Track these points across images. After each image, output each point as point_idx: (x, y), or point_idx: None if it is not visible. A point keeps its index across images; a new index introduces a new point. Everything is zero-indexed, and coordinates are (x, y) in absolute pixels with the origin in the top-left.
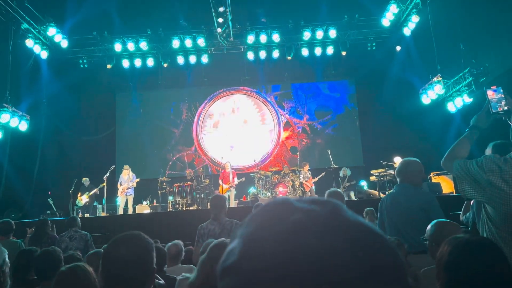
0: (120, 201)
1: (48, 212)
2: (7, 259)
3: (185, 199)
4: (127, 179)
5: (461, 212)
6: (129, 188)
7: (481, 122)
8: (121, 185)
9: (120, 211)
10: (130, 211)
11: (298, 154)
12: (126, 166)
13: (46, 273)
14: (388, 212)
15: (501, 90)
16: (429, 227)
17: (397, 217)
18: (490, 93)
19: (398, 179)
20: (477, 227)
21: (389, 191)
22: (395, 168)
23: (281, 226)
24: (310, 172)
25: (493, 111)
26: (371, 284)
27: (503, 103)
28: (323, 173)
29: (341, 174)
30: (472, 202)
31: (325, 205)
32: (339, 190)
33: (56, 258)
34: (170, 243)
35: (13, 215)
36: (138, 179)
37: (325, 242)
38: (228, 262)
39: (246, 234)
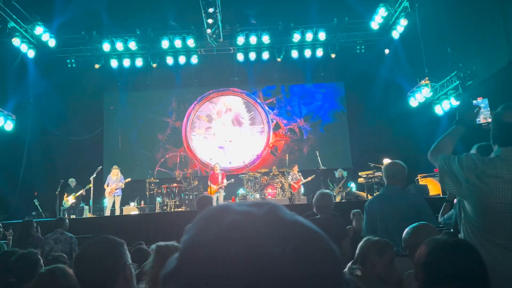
0: (108, 202)
1: (34, 213)
2: None
3: (173, 200)
4: (115, 180)
5: (440, 214)
6: (117, 189)
7: (466, 118)
8: (108, 185)
9: (108, 212)
10: (118, 212)
11: (287, 155)
12: (115, 167)
13: (24, 276)
14: (378, 214)
15: (487, 102)
16: (405, 232)
17: (387, 218)
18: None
19: (385, 181)
20: (458, 228)
21: (376, 193)
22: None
23: (216, 228)
24: (300, 173)
25: (478, 122)
26: (305, 280)
27: (487, 114)
28: (312, 176)
29: (336, 175)
30: (455, 201)
31: (262, 206)
32: (328, 192)
33: (33, 260)
34: (154, 245)
35: None
36: (129, 179)
37: (259, 241)
38: (167, 269)
39: (184, 241)
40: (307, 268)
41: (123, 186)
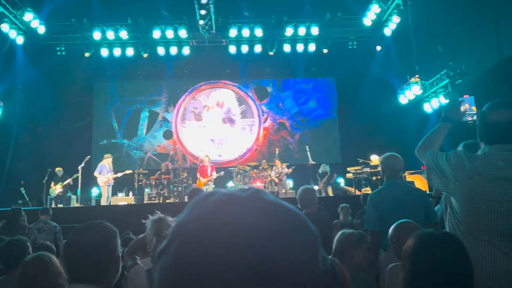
0: (106, 191)
1: (20, 201)
2: None
3: (162, 191)
4: (109, 169)
5: None
6: (113, 179)
7: (452, 115)
8: (101, 173)
9: (104, 202)
10: (109, 202)
11: (277, 149)
12: (108, 155)
13: (13, 262)
14: (386, 207)
15: (473, 99)
16: (391, 228)
17: (395, 212)
18: (462, 102)
19: (386, 174)
20: (444, 223)
21: (380, 187)
22: (372, 165)
23: (202, 207)
24: (283, 167)
25: (463, 120)
26: (285, 255)
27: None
28: (293, 167)
29: (320, 170)
30: (442, 198)
31: (247, 190)
32: (311, 187)
33: (22, 247)
34: (142, 235)
35: None
36: (129, 171)
37: (241, 216)
38: (161, 247)
39: (176, 222)
40: (286, 241)
41: (120, 175)
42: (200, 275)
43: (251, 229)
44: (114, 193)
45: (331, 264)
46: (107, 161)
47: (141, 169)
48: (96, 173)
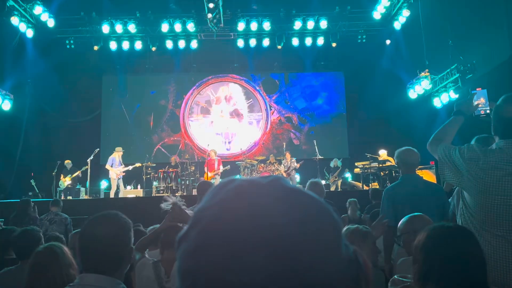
0: (117, 184)
1: (30, 193)
2: None
3: (169, 185)
4: (119, 162)
5: None
6: (124, 172)
7: (464, 108)
8: (112, 166)
9: (112, 195)
10: (122, 194)
11: (284, 144)
12: (119, 148)
13: (25, 252)
14: (401, 201)
15: (486, 92)
16: (401, 221)
17: (412, 205)
18: (475, 96)
19: (402, 169)
20: (456, 217)
21: (396, 182)
22: (380, 160)
23: (223, 193)
24: (292, 160)
25: (476, 114)
26: (308, 243)
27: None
28: (301, 162)
29: (332, 164)
30: (454, 193)
31: (267, 178)
32: (318, 180)
33: (35, 237)
34: (151, 227)
35: None
36: (138, 164)
37: (262, 202)
38: (181, 233)
39: (196, 209)
40: (309, 228)
41: (130, 169)
42: (221, 261)
43: (273, 216)
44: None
45: (354, 252)
46: (118, 154)
47: (149, 162)
48: (107, 166)
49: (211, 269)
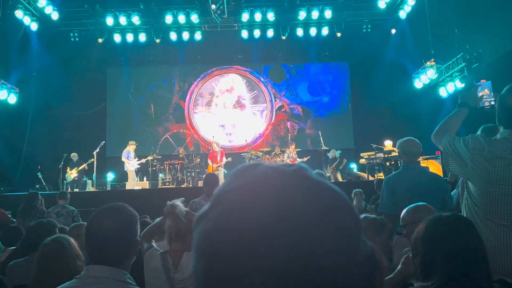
0: (133, 176)
1: (37, 186)
2: None
3: (175, 176)
4: (133, 155)
5: None
6: (139, 164)
7: (469, 100)
8: (128, 159)
9: (130, 186)
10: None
11: (289, 135)
12: (132, 142)
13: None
14: (401, 191)
15: (490, 84)
16: (404, 211)
17: (411, 195)
18: (480, 88)
19: (403, 159)
20: (460, 207)
21: (396, 171)
22: (385, 150)
23: (247, 177)
24: (295, 152)
25: (480, 105)
26: (329, 236)
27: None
28: (308, 157)
29: (330, 155)
30: (458, 182)
31: (291, 166)
32: (321, 171)
33: (49, 230)
34: (158, 219)
35: (2, 189)
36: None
37: (285, 191)
38: (200, 212)
39: (217, 189)
40: (330, 222)
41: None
42: (238, 246)
43: (296, 207)
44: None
45: (371, 249)
46: (132, 148)
47: (155, 155)
48: (124, 159)
49: (228, 252)
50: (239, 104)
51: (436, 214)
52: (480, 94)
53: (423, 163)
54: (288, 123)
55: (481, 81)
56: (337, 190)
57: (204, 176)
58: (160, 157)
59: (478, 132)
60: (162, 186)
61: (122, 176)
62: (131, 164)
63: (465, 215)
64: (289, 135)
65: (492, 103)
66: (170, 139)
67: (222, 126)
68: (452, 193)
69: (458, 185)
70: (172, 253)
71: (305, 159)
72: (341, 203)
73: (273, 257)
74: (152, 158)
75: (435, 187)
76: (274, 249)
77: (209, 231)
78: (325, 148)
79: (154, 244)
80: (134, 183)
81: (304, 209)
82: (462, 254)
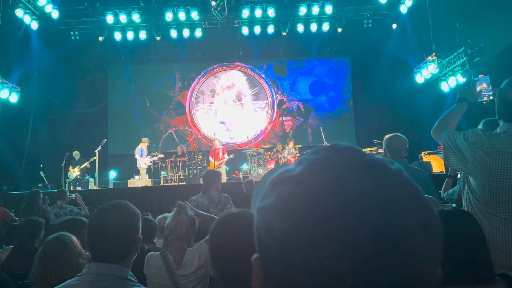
0: (146, 173)
1: (40, 184)
2: None
3: (177, 174)
4: (146, 153)
5: (442, 190)
6: (151, 162)
7: (468, 95)
8: (142, 156)
9: (142, 183)
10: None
11: (291, 131)
12: (145, 139)
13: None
14: None
15: (488, 79)
16: None
17: None
18: (478, 82)
19: (388, 156)
20: (461, 201)
21: None
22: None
23: (354, 163)
24: (295, 149)
25: (479, 100)
26: (422, 248)
27: (488, 93)
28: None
29: None
30: (459, 176)
31: (393, 163)
32: None
33: (37, 228)
34: (160, 216)
35: (5, 187)
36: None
37: (394, 193)
38: (287, 174)
39: (311, 158)
40: (428, 234)
41: (156, 159)
42: (321, 244)
43: (401, 213)
44: (131, 175)
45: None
46: (144, 145)
47: (156, 152)
48: (137, 156)
49: (305, 248)
50: (239, 99)
51: (438, 209)
52: (478, 89)
53: (425, 158)
54: (287, 119)
55: (479, 76)
56: (430, 199)
57: (204, 173)
58: (162, 156)
59: (480, 126)
60: (164, 184)
61: (124, 174)
62: (144, 161)
63: (466, 209)
64: (290, 132)
65: (491, 97)
66: (174, 135)
67: (223, 123)
68: (453, 188)
69: (459, 178)
70: (174, 251)
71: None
72: (438, 218)
73: (363, 260)
74: (163, 156)
75: (419, 182)
76: (366, 252)
77: (288, 209)
78: (326, 144)
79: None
80: (146, 181)
81: (410, 217)
82: (464, 249)
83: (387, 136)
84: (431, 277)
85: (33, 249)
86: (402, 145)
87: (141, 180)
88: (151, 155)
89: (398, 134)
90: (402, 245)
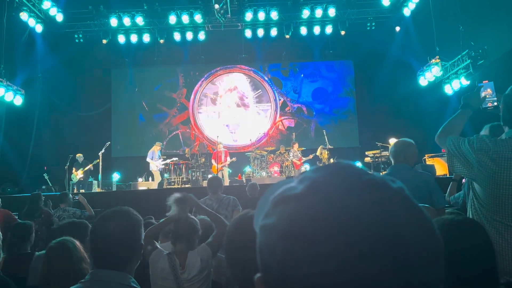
0: (160, 175)
1: (43, 187)
2: None
3: (180, 177)
4: (158, 156)
5: (447, 193)
6: (163, 165)
7: (472, 101)
8: (153, 159)
9: (155, 185)
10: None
11: (294, 134)
12: (158, 143)
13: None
14: None
15: (492, 84)
16: None
17: None
18: (482, 88)
19: (394, 160)
20: (466, 207)
21: (384, 172)
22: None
23: (354, 181)
24: (300, 151)
25: (483, 106)
26: (424, 268)
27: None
28: (313, 154)
29: (318, 153)
30: (463, 181)
31: (395, 182)
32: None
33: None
34: (163, 220)
35: (9, 190)
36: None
37: (393, 210)
38: (288, 193)
39: (312, 177)
40: (429, 253)
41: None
42: (330, 250)
43: (401, 230)
44: (134, 178)
45: None
46: (156, 148)
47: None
48: (148, 159)
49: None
50: (243, 104)
51: (444, 217)
52: (482, 95)
53: (429, 161)
54: (290, 122)
55: (484, 81)
56: (433, 221)
57: (208, 179)
58: (165, 157)
59: (484, 130)
60: (168, 186)
61: (128, 176)
62: (155, 164)
63: (471, 215)
64: (293, 135)
65: (495, 103)
66: (180, 136)
67: (227, 125)
68: (456, 195)
69: (465, 185)
70: (178, 254)
71: (310, 156)
72: (437, 234)
73: (366, 274)
74: (177, 159)
75: (421, 187)
76: (368, 269)
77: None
78: (330, 147)
79: (158, 245)
80: (133, 184)
81: (410, 233)
82: (471, 258)
83: (402, 141)
84: None
85: (25, 253)
86: (404, 149)
87: (154, 182)
88: (163, 158)
89: (403, 139)
90: (403, 263)
